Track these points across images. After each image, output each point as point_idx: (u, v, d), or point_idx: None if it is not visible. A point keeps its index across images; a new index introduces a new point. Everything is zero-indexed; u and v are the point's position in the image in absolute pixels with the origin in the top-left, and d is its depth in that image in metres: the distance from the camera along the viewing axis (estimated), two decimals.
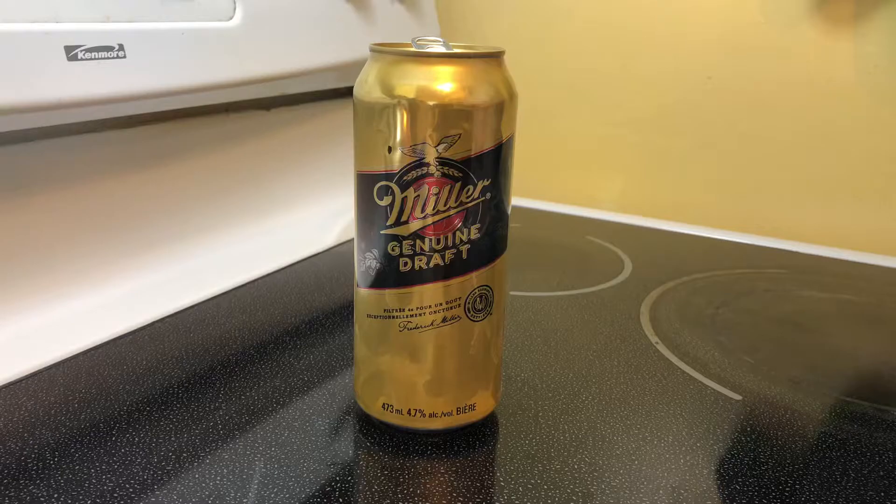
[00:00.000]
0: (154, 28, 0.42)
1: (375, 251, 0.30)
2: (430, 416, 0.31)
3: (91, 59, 0.38)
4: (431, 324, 0.30)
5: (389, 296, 0.30)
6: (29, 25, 0.36)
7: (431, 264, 0.29)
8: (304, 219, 0.60)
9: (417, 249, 0.29)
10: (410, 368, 0.31)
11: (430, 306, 0.30)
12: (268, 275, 0.50)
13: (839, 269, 0.57)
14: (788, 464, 0.31)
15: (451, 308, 0.30)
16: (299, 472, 0.29)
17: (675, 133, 0.71)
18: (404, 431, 0.32)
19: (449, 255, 0.29)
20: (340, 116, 0.67)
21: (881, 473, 0.31)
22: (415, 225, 0.29)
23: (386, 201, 0.29)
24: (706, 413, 0.35)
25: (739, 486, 0.30)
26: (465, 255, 0.29)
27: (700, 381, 0.38)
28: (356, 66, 0.59)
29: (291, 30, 0.52)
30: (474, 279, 0.30)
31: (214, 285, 0.47)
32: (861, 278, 0.55)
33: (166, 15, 0.43)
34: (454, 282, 0.30)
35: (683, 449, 0.32)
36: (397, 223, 0.29)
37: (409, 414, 0.31)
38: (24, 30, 0.36)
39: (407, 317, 0.30)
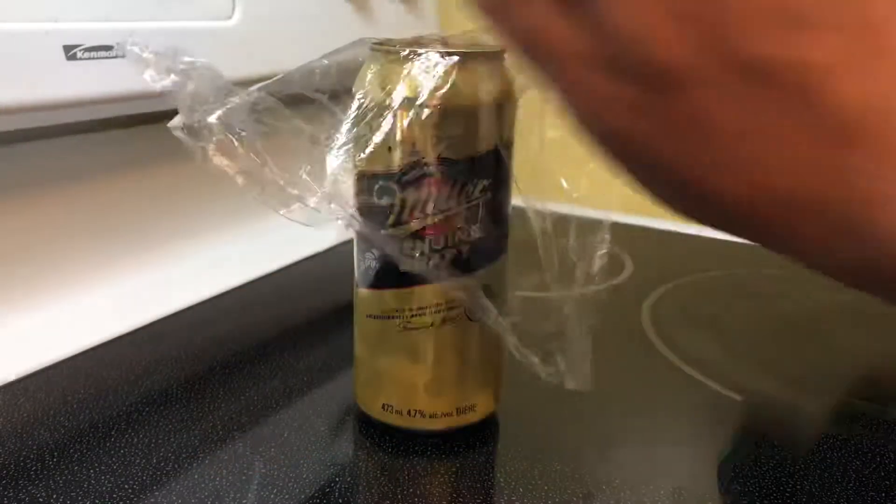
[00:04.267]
0: (154, 28, 0.42)
1: (375, 251, 0.30)
2: (431, 416, 0.31)
3: (90, 58, 0.38)
4: (431, 324, 0.30)
5: (389, 296, 0.30)
6: (28, 25, 0.36)
7: (431, 264, 0.29)
8: None
9: (417, 249, 0.29)
10: (410, 369, 0.31)
11: (429, 306, 0.29)
12: (268, 275, 0.50)
13: None
14: (788, 464, 0.31)
15: (452, 308, 0.30)
16: (299, 472, 0.29)
17: None
18: (404, 432, 0.32)
19: (449, 255, 0.29)
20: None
21: (881, 473, 0.31)
22: (415, 225, 0.29)
23: (386, 201, 0.29)
24: (706, 413, 0.35)
25: (739, 486, 0.29)
26: (465, 256, 0.29)
27: (700, 381, 0.38)
28: (356, 66, 0.59)
29: (291, 29, 0.52)
30: (476, 279, 0.30)
31: (214, 285, 0.47)
32: None
33: (166, 15, 0.43)
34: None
35: (683, 449, 0.32)
36: (397, 223, 0.29)
37: (409, 414, 0.31)
38: (24, 29, 0.36)
39: (407, 317, 0.30)
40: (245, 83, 0.49)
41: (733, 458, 0.32)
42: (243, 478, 0.29)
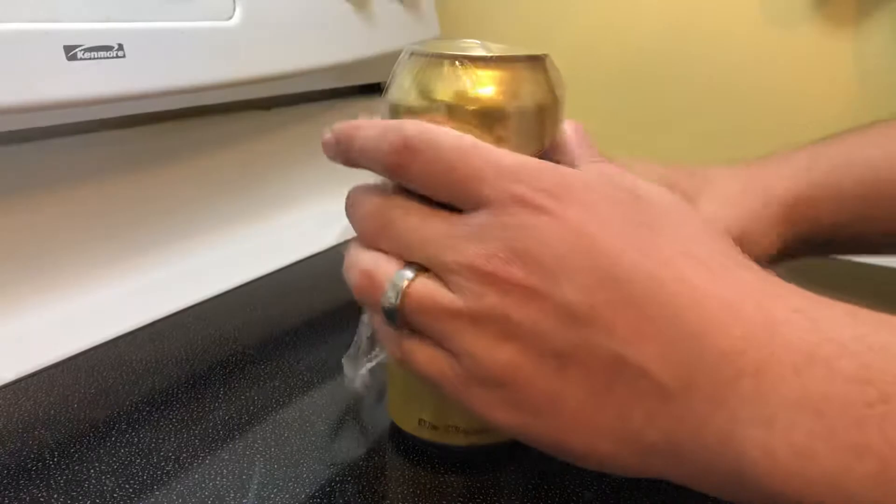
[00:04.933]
0: (153, 28, 0.42)
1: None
2: (464, 431, 0.30)
3: (90, 58, 0.38)
4: None
5: None
6: (28, 25, 0.36)
7: None
8: (303, 219, 0.60)
9: None
10: None
11: None
12: (268, 275, 0.50)
13: (839, 268, 0.57)
14: None
15: None
16: (299, 472, 0.29)
17: (676, 134, 0.71)
18: (436, 446, 0.31)
19: None
20: (340, 116, 0.66)
21: None
22: None
23: None
24: None
25: None
26: None
27: None
28: (356, 66, 0.59)
29: (291, 29, 0.52)
30: None
31: (214, 285, 0.47)
32: (861, 278, 0.55)
33: (166, 15, 0.43)
34: None
35: None
36: None
37: (445, 430, 0.30)
38: (24, 29, 0.36)
39: None
40: (245, 83, 0.49)
41: None
42: (243, 478, 0.29)
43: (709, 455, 0.20)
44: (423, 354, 0.24)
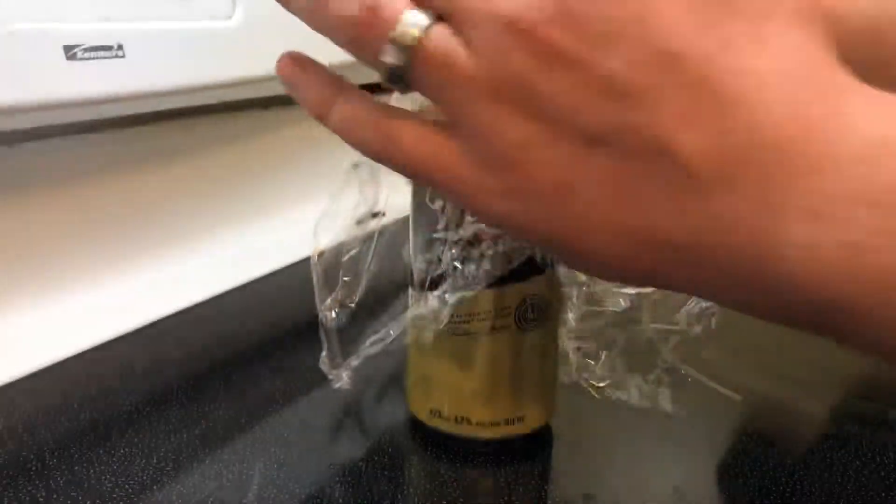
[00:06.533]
0: (153, 28, 0.42)
1: (427, 255, 0.29)
2: (478, 424, 0.30)
3: (90, 58, 0.38)
4: (480, 331, 0.29)
5: (439, 300, 0.29)
6: (28, 25, 0.36)
7: (483, 270, 0.28)
8: (304, 218, 0.59)
9: (469, 254, 0.28)
10: (458, 375, 0.30)
11: (479, 313, 0.29)
12: (268, 274, 0.50)
13: None
14: (788, 464, 0.31)
15: (501, 317, 0.29)
16: (299, 472, 0.29)
17: None
18: (455, 439, 0.31)
19: (501, 261, 0.28)
20: None
21: (881, 474, 0.31)
22: (468, 229, 0.27)
23: (438, 205, 0.28)
24: (706, 413, 0.35)
25: (740, 486, 0.29)
26: (517, 263, 0.28)
27: (700, 381, 0.38)
28: (356, 66, 0.59)
29: (291, 29, 0.52)
30: (527, 288, 0.29)
31: (215, 285, 0.47)
32: None
33: (166, 15, 0.43)
34: (506, 289, 0.28)
35: (683, 449, 0.32)
36: (449, 227, 0.28)
37: (457, 421, 0.30)
38: (24, 29, 0.36)
39: (456, 323, 0.29)
40: (245, 83, 0.49)
41: (733, 459, 0.32)
42: (243, 478, 0.29)
43: (737, 256, 0.18)
44: (412, 133, 0.21)
